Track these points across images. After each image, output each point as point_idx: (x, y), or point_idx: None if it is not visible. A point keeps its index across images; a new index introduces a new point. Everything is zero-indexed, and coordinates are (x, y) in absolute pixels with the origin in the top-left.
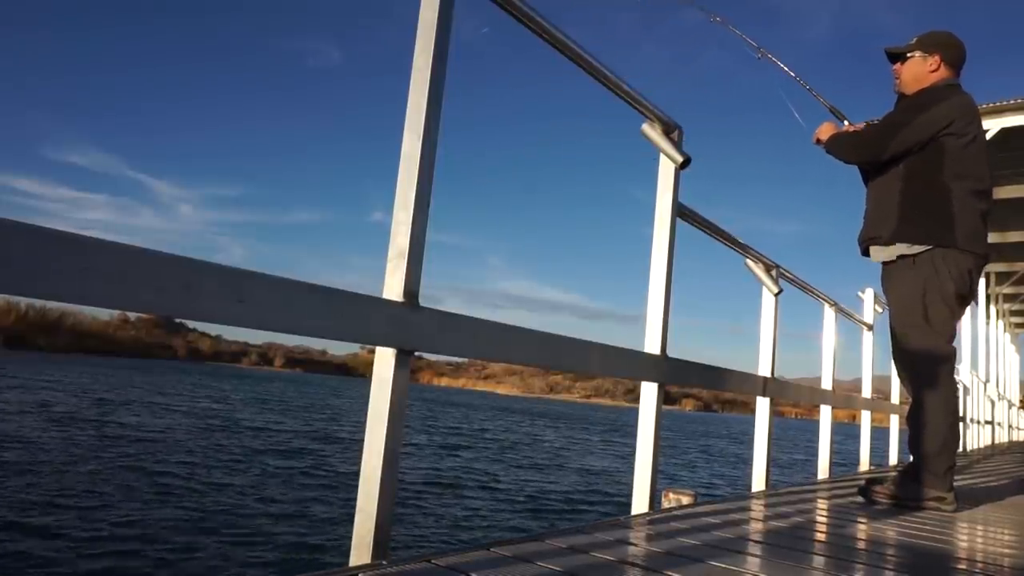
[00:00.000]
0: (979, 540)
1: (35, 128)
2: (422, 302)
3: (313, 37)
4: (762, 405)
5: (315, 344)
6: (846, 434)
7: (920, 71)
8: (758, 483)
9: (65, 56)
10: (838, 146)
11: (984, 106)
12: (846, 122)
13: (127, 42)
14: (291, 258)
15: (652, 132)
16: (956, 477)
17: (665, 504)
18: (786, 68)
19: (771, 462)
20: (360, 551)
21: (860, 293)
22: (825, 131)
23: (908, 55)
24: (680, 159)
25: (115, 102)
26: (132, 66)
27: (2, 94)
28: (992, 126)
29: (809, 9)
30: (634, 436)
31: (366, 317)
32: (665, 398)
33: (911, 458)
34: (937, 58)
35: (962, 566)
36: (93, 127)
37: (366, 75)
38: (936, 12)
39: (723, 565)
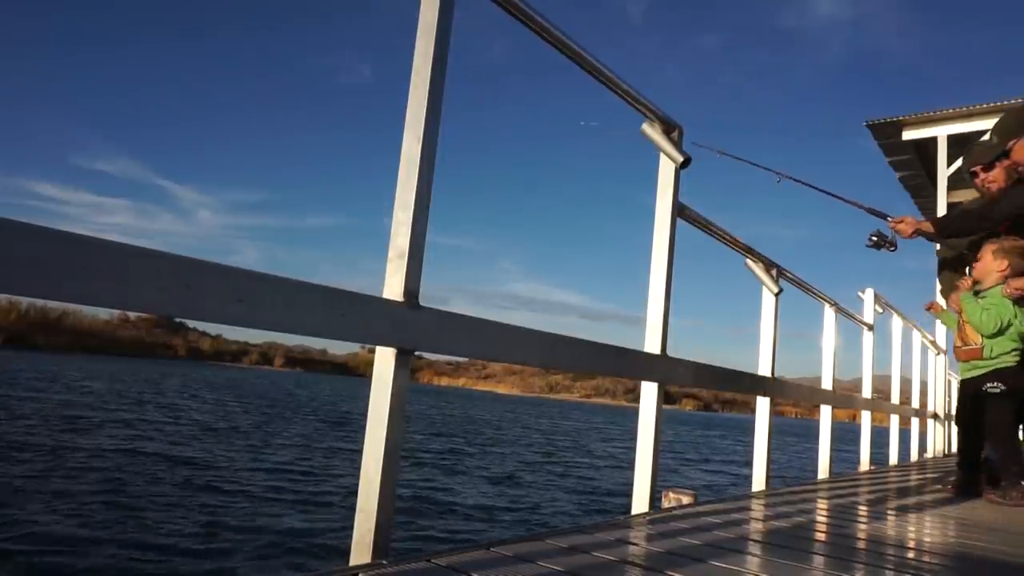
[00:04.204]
0: (979, 540)
1: (63, 136)
2: (425, 302)
3: (347, 55)
4: (762, 405)
5: (315, 343)
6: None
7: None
8: (758, 483)
9: (106, 70)
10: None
11: (986, 106)
12: (889, 217)
13: (167, 57)
14: (307, 261)
15: (652, 132)
16: (955, 477)
17: (665, 504)
18: (815, 186)
19: (771, 462)
20: (360, 551)
21: (860, 293)
22: (909, 225)
23: (1009, 145)
24: (680, 159)
25: (149, 114)
26: (169, 80)
27: (39, 106)
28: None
29: (823, 34)
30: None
31: (366, 317)
32: (665, 398)
33: None
34: None
35: (962, 566)
36: (123, 136)
37: (395, 91)
38: (943, 36)
39: (723, 565)
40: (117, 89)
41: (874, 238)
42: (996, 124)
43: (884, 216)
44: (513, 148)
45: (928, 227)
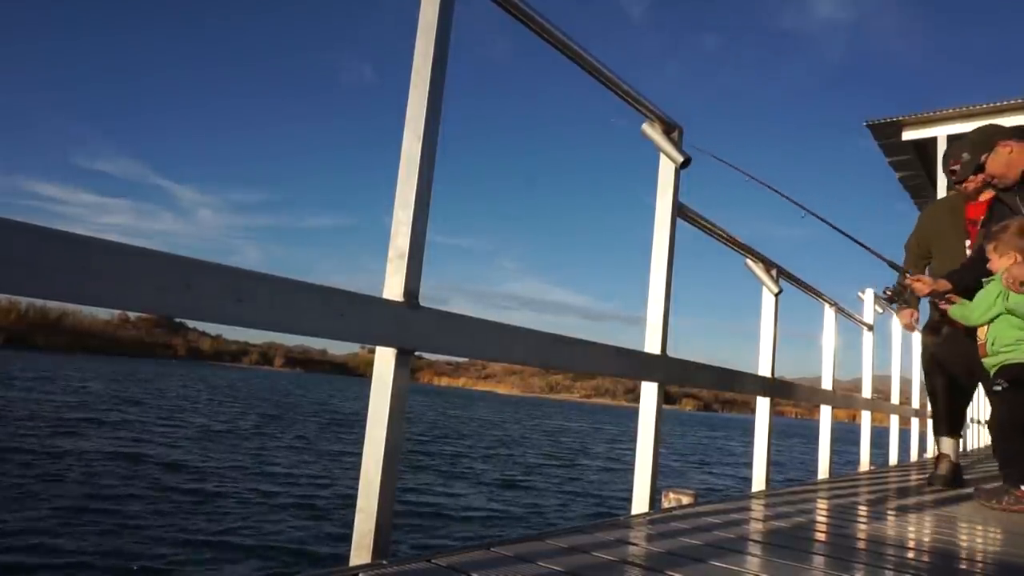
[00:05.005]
0: (979, 540)
1: (62, 130)
2: (425, 302)
3: (347, 53)
4: (762, 405)
5: (315, 343)
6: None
7: (1012, 158)
8: (758, 483)
9: (105, 59)
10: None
11: (985, 106)
12: (908, 273)
13: (166, 52)
14: (308, 261)
15: (652, 132)
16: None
17: (665, 504)
18: (836, 227)
19: (771, 462)
20: (360, 551)
21: (860, 293)
22: (927, 285)
23: (983, 159)
24: (680, 159)
25: (149, 105)
26: (168, 74)
27: (38, 94)
28: None
29: (824, 35)
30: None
31: (366, 317)
32: (665, 398)
33: None
34: (1013, 141)
35: (962, 566)
36: (122, 129)
37: (395, 90)
38: (943, 36)
39: (723, 565)
40: (117, 78)
41: (889, 292)
42: (963, 143)
43: (902, 270)
44: (513, 139)
45: (945, 285)
